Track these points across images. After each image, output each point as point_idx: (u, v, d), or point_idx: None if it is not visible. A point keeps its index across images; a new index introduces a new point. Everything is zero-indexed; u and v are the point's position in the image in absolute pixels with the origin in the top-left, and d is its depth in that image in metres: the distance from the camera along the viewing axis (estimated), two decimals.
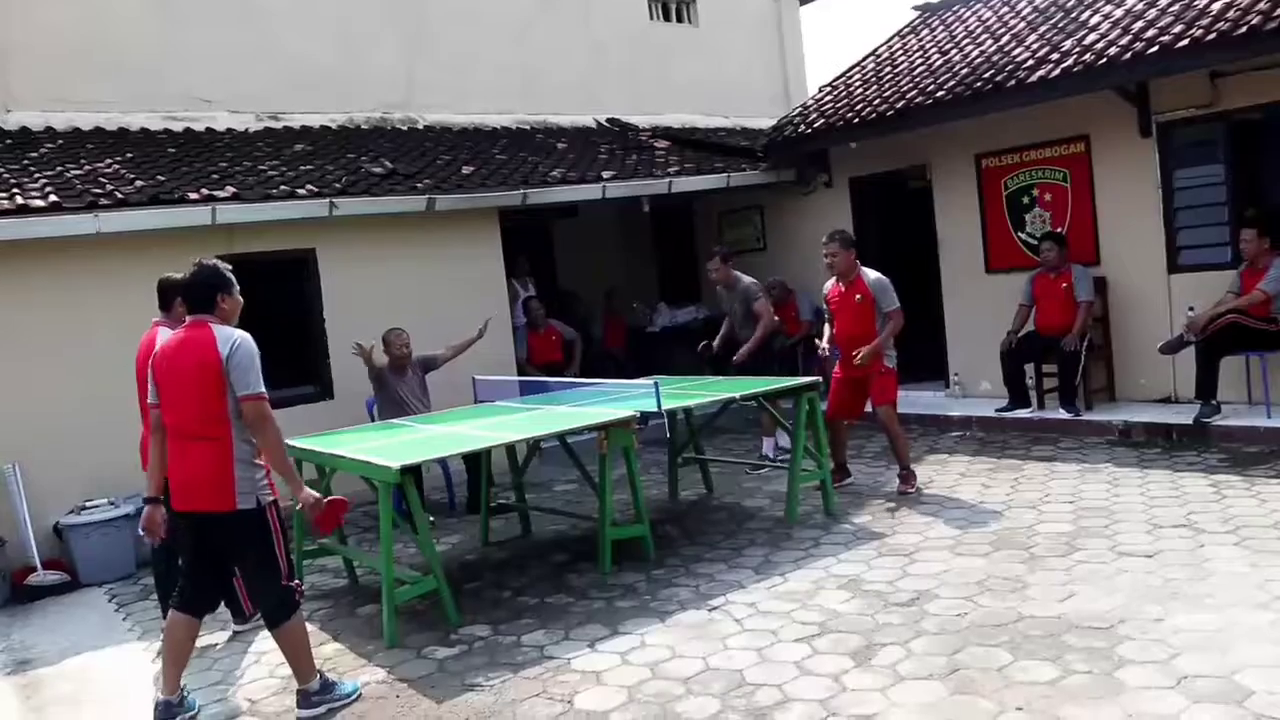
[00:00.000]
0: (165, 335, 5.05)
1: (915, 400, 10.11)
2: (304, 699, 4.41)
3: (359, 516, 7.89)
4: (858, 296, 7.05)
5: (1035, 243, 8.99)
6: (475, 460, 7.35)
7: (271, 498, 4.31)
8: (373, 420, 7.91)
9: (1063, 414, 8.43)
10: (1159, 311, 8.43)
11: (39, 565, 6.81)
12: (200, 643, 5.38)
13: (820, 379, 6.99)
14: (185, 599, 4.43)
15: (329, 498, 4.50)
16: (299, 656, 4.40)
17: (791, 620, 4.83)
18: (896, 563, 5.53)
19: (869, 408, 7.18)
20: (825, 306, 7.46)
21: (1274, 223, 7.57)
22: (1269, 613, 4.32)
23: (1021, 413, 8.78)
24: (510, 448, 6.82)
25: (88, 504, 7.08)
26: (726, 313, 8.94)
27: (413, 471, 5.24)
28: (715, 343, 8.94)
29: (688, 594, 5.39)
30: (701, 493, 7.71)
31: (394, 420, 7.21)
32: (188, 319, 4.36)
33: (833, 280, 7.30)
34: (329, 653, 5.10)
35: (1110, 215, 8.78)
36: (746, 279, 8.73)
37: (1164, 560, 5.11)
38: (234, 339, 4.23)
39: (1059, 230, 8.94)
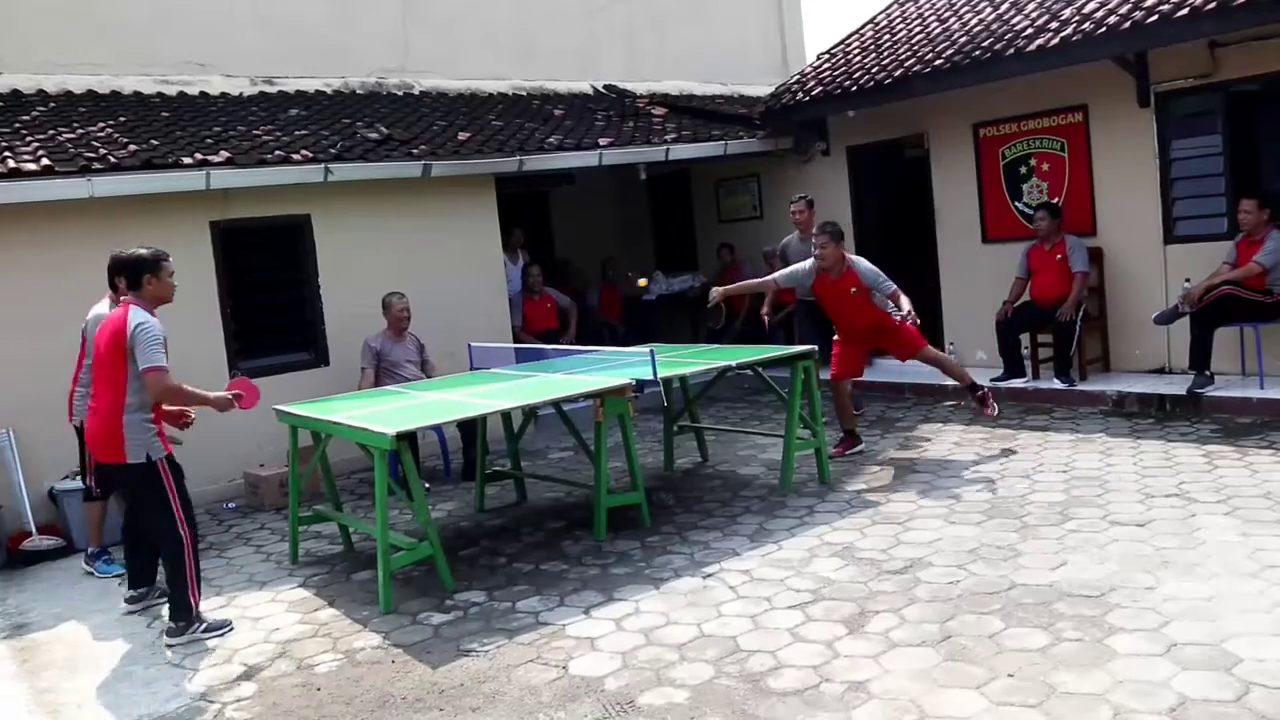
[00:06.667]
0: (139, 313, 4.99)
1: (910, 370, 10.10)
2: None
3: (354, 484, 7.93)
4: (853, 289, 7.12)
5: (1032, 212, 8.97)
6: (471, 427, 7.37)
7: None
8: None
9: (1057, 384, 8.45)
10: (1155, 282, 8.43)
11: (34, 530, 6.82)
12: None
13: (815, 347, 6.98)
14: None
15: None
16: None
17: (785, 587, 4.86)
18: (890, 531, 5.57)
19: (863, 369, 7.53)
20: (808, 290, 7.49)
21: (1270, 194, 7.55)
22: (1258, 582, 4.35)
23: (1016, 383, 8.78)
24: (506, 415, 6.82)
25: None
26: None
27: (408, 438, 5.24)
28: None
29: (682, 561, 5.42)
30: (697, 461, 7.73)
31: (389, 387, 7.20)
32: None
33: (812, 260, 7.25)
34: (324, 618, 5.13)
35: (1107, 185, 8.75)
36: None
37: (1155, 529, 5.14)
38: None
39: (1055, 201, 8.92)
